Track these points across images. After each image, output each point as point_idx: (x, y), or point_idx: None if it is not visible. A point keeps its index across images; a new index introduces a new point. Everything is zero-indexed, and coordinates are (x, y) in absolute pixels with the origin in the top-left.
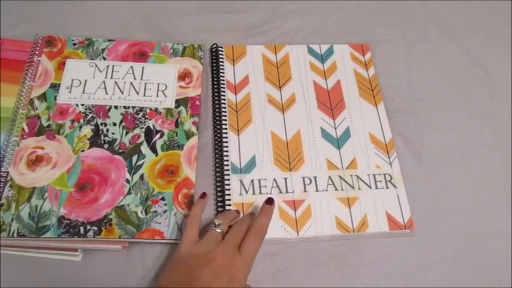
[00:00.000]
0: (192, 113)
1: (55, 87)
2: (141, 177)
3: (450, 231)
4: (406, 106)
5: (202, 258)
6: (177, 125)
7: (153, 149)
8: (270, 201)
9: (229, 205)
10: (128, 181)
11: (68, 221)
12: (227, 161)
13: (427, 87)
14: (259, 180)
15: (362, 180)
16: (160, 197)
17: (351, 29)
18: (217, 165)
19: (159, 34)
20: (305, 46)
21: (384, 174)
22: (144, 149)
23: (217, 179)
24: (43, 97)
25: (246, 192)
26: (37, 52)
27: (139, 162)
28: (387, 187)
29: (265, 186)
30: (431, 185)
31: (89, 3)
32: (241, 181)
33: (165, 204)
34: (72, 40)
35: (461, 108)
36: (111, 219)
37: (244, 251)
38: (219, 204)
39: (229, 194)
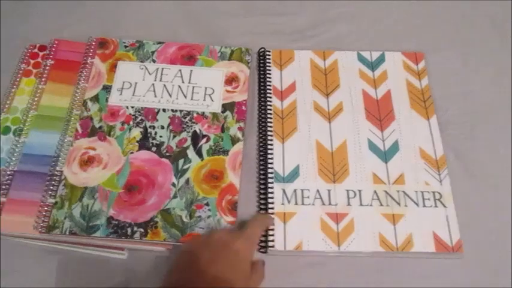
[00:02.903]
0: (237, 118)
1: (107, 88)
2: (187, 181)
3: (503, 256)
4: (460, 119)
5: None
6: (223, 130)
7: (199, 154)
8: None
9: (272, 214)
10: (173, 185)
11: (116, 222)
12: (271, 168)
13: (484, 99)
14: (302, 191)
15: (409, 197)
16: (205, 202)
17: (403, 35)
18: (261, 172)
19: (205, 36)
20: (355, 53)
21: (433, 192)
22: (190, 153)
23: (261, 187)
24: (96, 98)
25: (289, 201)
26: (91, 54)
27: (185, 166)
28: (436, 206)
29: (308, 197)
30: (484, 205)
31: (138, 5)
32: (283, 190)
33: (209, 210)
34: (124, 42)
35: None
36: (157, 222)
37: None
38: (262, 212)
39: (272, 203)
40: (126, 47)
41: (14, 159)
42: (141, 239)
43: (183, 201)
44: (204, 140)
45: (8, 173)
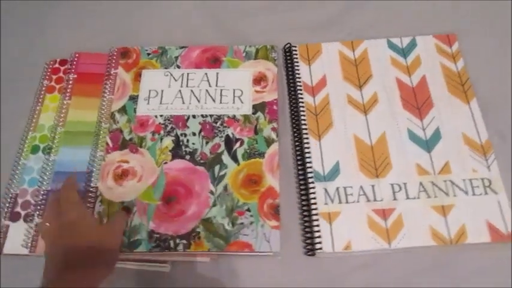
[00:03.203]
0: (270, 119)
1: (133, 99)
2: (225, 187)
3: None
4: (500, 101)
5: None
6: (256, 132)
7: (234, 158)
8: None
9: (316, 214)
10: (212, 192)
11: (158, 235)
12: (310, 167)
13: None
14: (344, 188)
15: (457, 186)
16: (246, 208)
17: (432, 17)
18: (300, 173)
19: (228, 36)
20: (385, 40)
21: (482, 179)
22: (225, 158)
23: (301, 188)
24: (123, 110)
25: (332, 201)
26: (113, 64)
27: (221, 173)
28: (486, 193)
29: (352, 195)
30: None
31: (155, 11)
32: (325, 189)
33: (251, 216)
34: (146, 50)
35: None
36: (199, 233)
37: None
38: (305, 214)
39: (315, 203)
40: (148, 54)
41: (46, 178)
42: (185, 251)
43: (224, 209)
44: (238, 143)
45: (42, 192)
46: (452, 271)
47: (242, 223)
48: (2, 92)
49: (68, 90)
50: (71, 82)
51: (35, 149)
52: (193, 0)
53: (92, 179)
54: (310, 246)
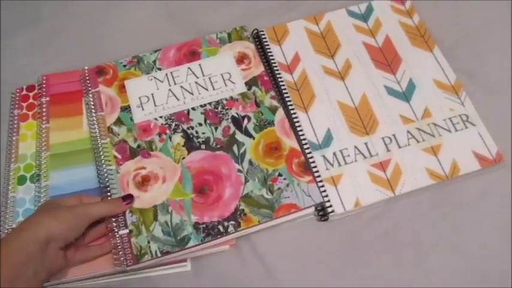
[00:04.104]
0: (266, 89)
1: (126, 109)
2: (250, 162)
3: None
4: (459, 43)
5: None
6: (257, 105)
7: (248, 134)
8: (127, 198)
9: (321, 181)
10: (239, 171)
11: (204, 225)
12: (305, 139)
13: (476, 18)
14: (341, 151)
15: (440, 127)
16: (277, 174)
17: None
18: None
19: (193, 32)
20: (343, 10)
21: (460, 115)
22: (240, 137)
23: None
24: (119, 122)
25: (332, 165)
26: (90, 84)
27: (241, 150)
28: (466, 127)
29: (349, 155)
30: (508, 113)
31: (115, 22)
32: (323, 156)
33: (284, 179)
34: (121, 62)
35: None
36: (243, 210)
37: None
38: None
39: (317, 171)
40: (125, 66)
41: None
42: (237, 231)
43: (257, 182)
44: (246, 120)
45: None
46: (454, 203)
47: (279, 188)
48: None
49: (44, 114)
50: (44, 106)
51: (21, 180)
52: (152, 0)
53: (109, 194)
54: (323, 212)
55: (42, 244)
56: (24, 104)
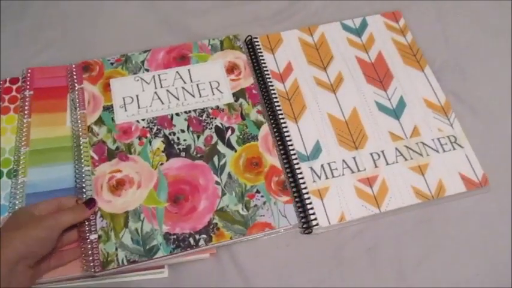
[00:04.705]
0: (253, 103)
1: (108, 109)
2: (229, 175)
3: None
4: (449, 64)
5: None
6: (243, 117)
7: (230, 146)
8: (89, 203)
9: (307, 193)
10: (217, 183)
11: (175, 236)
12: (293, 150)
13: (466, 40)
14: (328, 164)
15: (428, 146)
16: (255, 190)
17: None
18: (283, 156)
19: (185, 36)
20: (338, 23)
21: (448, 137)
22: (221, 148)
23: (287, 170)
24: (100, 121)
25: (319, 177)
26: (76, 80)
27: (221, 162)
28: (454, 149)
29: (336, 169)
30: (495, 137)
31: (106, 20)
32: (311, 168)
33: (262, 196)
34: (109, 60)
35: (504, 56)
36: (217, 224)
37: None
38: (295, 194)
39: (304, 183)
40: (112, 64)
41: (17, 202)
42: (208, 245)
43: (234, 196)
44: (229, 131)
45: None
46: (438, 223)
47: (256, 205)
48: None
49: (26, 108)
50: (27, 99)
51: None
52: (142, 0)
53: (83, 195)
54: (307, 224)
55: (11, 265)
56: (7, 97)
